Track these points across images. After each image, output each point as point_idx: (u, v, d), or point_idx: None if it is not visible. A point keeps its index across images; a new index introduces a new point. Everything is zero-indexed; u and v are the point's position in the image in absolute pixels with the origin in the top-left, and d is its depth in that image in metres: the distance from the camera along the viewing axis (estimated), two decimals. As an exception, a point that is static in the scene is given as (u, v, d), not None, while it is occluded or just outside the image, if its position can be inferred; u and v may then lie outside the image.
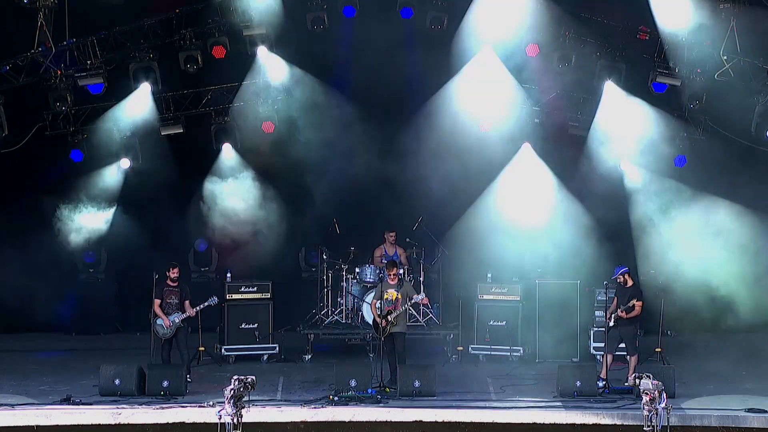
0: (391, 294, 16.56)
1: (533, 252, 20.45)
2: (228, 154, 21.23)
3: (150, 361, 16.57)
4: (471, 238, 20.69)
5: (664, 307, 18.04)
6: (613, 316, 16.53)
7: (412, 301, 16.83)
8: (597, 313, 18.61)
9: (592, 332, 18.76)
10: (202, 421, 14.51)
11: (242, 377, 12.30)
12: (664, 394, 12.18)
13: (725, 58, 18.68)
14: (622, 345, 16.77)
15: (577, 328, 18.93)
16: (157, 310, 16.78)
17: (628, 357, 16.66)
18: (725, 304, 19.77)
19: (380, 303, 16.55)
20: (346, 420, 14.76)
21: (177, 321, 16.69)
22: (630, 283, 16.65)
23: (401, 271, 18.98)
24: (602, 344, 17.22)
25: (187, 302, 16.83)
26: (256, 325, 18.79)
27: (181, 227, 21.05)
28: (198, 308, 16.85)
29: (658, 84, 19.65)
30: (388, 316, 16.40)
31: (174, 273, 16.84)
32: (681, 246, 20.11)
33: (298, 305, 20.57)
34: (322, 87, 20.78)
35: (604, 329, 16.89)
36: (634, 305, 16.39)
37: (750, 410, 14.66)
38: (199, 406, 14.80)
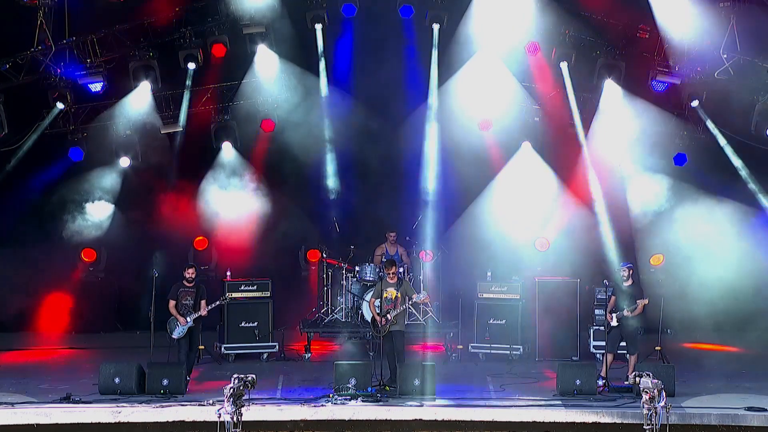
0: (391, 293, 16.51)
1: (533, 250, 20.46)
2: (227, 153, 21.21)
3: (150, 359, 16.51)
4: (471, 236, 20.68)
5: (664, 305, 17.97)
6: (614, 315, 16.49)
7: (413, 301, 16.81)
8: (597, 311, 18.61)
9: (591, 331, 18.75)
10: (201, 420, 14.45)
11: (242, 375, 12.26)
12: (663, 393, 12.13)
13: (725, 56, 18.67)
14: (623, 344, 16.72)
15: (577, 326, 18.89)
16: (173, 311, 16.63)
17: (629, 356, 16.62)
18: (726, 303, 19.79)
19: (379, 302, 16.53)
20: (346, 419, 14.71)
21: (190, 321, 16.60)
22: (631, 281, 16.62)
23: (401, 269, 18.95)
24: (602, 342, 17.20)
25: (203, 302, 16.71)
26: (255, 323, 18.77)
27: (181, 225, 21.00)
28: (209, 308, 16.80)
29: (657, 82, 19.63)
30: (388, 315, 16.38)
31: (190, 273, 16.73)
32: (682, 244, 20.11)
33: (298, 304, 20.55)
34: (321, 86, 20.72)
35: (604, 328, 16.84)
36: (637, 305, 16.39)
37: (750, 408, 14.62)
38: (199, 405, 14.73)
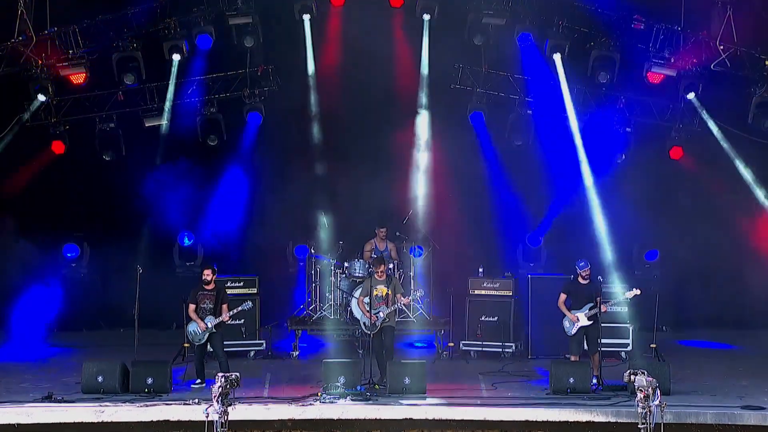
0: (381, 290, 16.35)
1: (526, 246, 20.34)
2: (213, 146, 20.93)
3: (134, 357, 16.25)
4: (462, 231, 20.49)
5: (659, 302, 17.78)
6: (582, 315, 16.14)
7: (400, 303, 16.57)
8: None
9: (585, 328, 18.54)
10: (187, 419, 14.22)
11: (226, 374, 12.05)
12: (658, 391, 11.97)
13: (721, 47, 18.67)
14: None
15: (570, 323, 18.71)
16: (192, 315, 16.21)
17: (592, 355, 16.31)
18: (722, 299, 19.75)
19: (369, 299, 16.30)
20: (335, 418, 14.51)
21: (210, 326, 16.16)
22: (589, 280, 16.32)
23: (390, 266, 18.72)
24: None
25: (224, 306, 16.26)
26: (242, 320, 18.49)
27: (166, 221, 20.76)
28: (231, 313, 16.38)
29: (653, 74, 19.52)
30: (379, 313, 16.16)
31: (207, 275, 16.23)
32: (678, 239, 20.06)
33: (286, 300, 20.35)
34: (310, 78, 20.57)
35: (568, 330, 16.41)
36: (599, 302, 16.14)
37: (746, 407, 14.49)
38: (184, 404, 14.53)
